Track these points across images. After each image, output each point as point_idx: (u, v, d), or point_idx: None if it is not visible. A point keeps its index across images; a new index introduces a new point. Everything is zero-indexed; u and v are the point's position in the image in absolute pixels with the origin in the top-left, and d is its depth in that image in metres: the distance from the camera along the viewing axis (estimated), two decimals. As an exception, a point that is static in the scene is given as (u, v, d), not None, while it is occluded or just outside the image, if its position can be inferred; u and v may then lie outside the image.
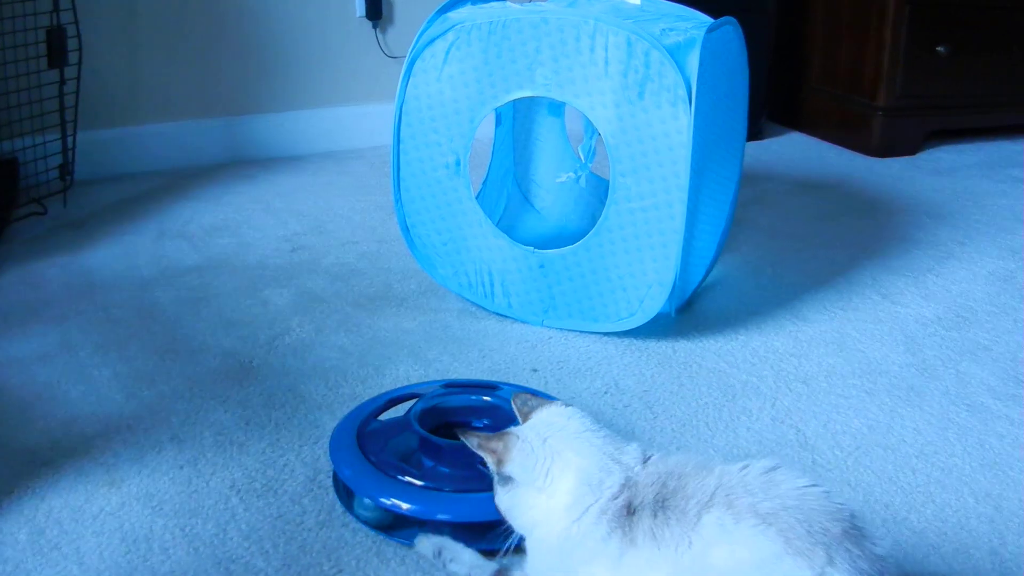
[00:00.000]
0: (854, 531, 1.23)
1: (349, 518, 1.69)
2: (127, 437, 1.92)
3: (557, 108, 2.79)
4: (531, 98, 2.48)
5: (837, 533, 1.21)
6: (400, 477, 1.67)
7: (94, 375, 2.14)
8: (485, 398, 1.86)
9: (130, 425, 1.96)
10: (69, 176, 3.15)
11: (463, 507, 1.62)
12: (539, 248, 2.32)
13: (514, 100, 2.29)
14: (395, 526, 1.66)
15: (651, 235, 2.17)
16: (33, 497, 1.74)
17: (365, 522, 1.67)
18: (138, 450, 1.87)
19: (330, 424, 1.85)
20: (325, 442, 1.83)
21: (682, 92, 2.10)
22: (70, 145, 3.13)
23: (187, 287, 2.59)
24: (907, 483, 1.79)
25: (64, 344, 2.27)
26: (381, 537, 1.65)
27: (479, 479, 1.65)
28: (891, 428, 1.96)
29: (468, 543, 1.61)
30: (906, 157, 3.82)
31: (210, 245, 2.88)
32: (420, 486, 1.65)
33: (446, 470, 1.68)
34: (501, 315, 2.41)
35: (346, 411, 1.87)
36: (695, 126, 2.10)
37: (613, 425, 1.94)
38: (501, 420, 1.77)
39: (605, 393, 2.08)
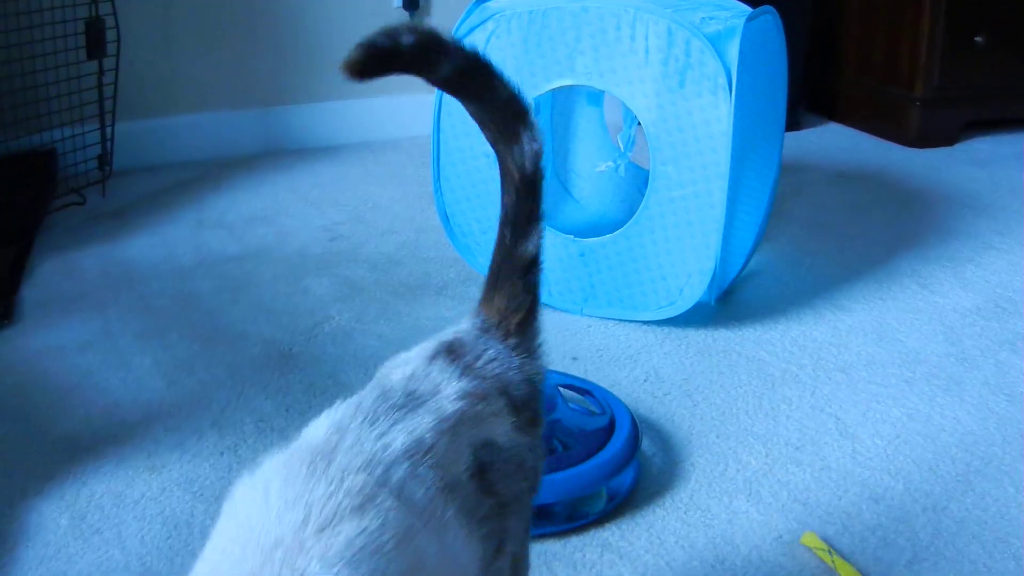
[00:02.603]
0: None
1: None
2: (168, 424, 1.94)
3: (596, 98, 2.79)
4: (570, 87, 2.48)
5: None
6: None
7: (134, 363, 2.16)
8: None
9: (171, 412, 1.98)
10: (107, 166, 3.17)
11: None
12: (578, 237, 2.32)
13: (553, 89, 2.29)
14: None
15: (691, 224, 2.18)
16: (75, 482, 1.76)
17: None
18: (179, 436, 1.89)
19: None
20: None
21: (722, 80, 2.10)
22: (108, 136, 3.15)
23: (226, 276, 2.61)
24: (947, 472, 1.79)
25: (104, 332, 2.29)
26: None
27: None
28: (931, 417, 1.96)
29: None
30: (943, 148, 3.80)
31: (249, 234, 2.89)
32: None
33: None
34: (541, 304, 2.41)
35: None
36: (735, 114, 2.10)
37: (653, 413, 1.95)
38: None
39: (645, 381, 2.09)
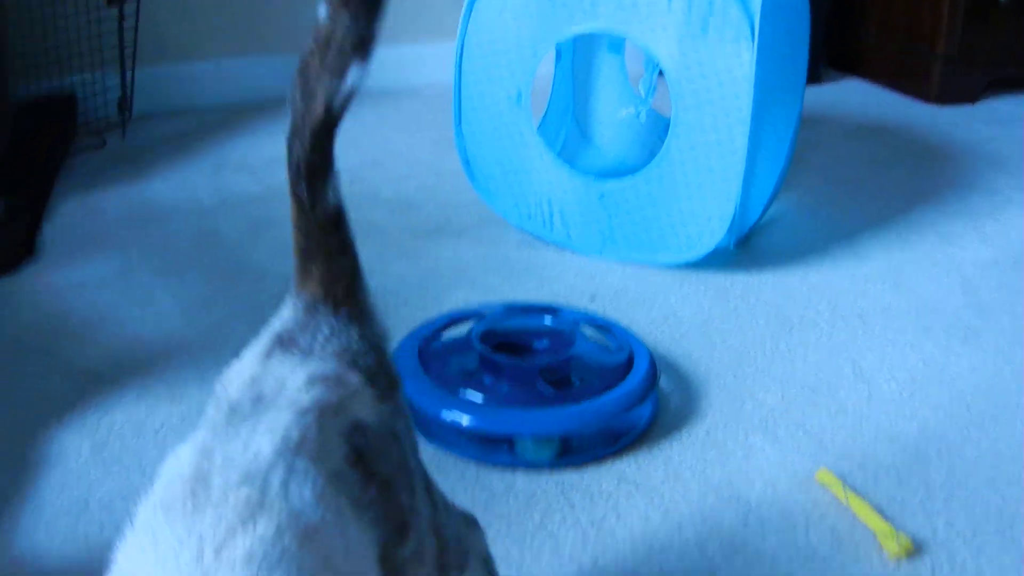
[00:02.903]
0: None
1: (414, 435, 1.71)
2: (189, 356, 1.96)
3: (617, 45, 2.79)
4: (591, 34, 2.49)
5: None
6: (461, 393, 1.70)
7: (156, 299, 2.18)
8: (546, 320, 1.88)
9: (191, 345, 2.00)
10: (128, 111, 3.18)
11: (522, 422, 1.65)
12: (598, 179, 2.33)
13: (574, 36, 2.30)
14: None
15: (712, 169, 2.18)
16: (96, 412, 1.78)
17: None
18: (199, 369, 1.91)
19: (390, 346, 1.87)
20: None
21: (745, 28, 2.10)
22: (128, 81, 3.16)
23: (247, 216, 2.62)
24: (962, 417, 1.80)
25: (125, 270, 2.31)
26: (436, 449, 1.68)
27: (540, 398, 1.68)
28: (947, 365, 1.97)
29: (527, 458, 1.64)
30: (965, 105, 3.78)
31: (270, 176, 2.90)
32: (481, 402, 1.68)
33: (506, 387, 1.71)
34: (560, 246, 2.43)
35: (406, 334, 1.89)
36: (757, 62, 2.10)
37: (671, 353, 1.96)
38: (561, 342, 1.80)
39: (663, 322, 2.10)
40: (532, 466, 1.67)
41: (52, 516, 1.56)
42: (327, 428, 0.90)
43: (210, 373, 1.89)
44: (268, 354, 0.95)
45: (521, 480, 1.64)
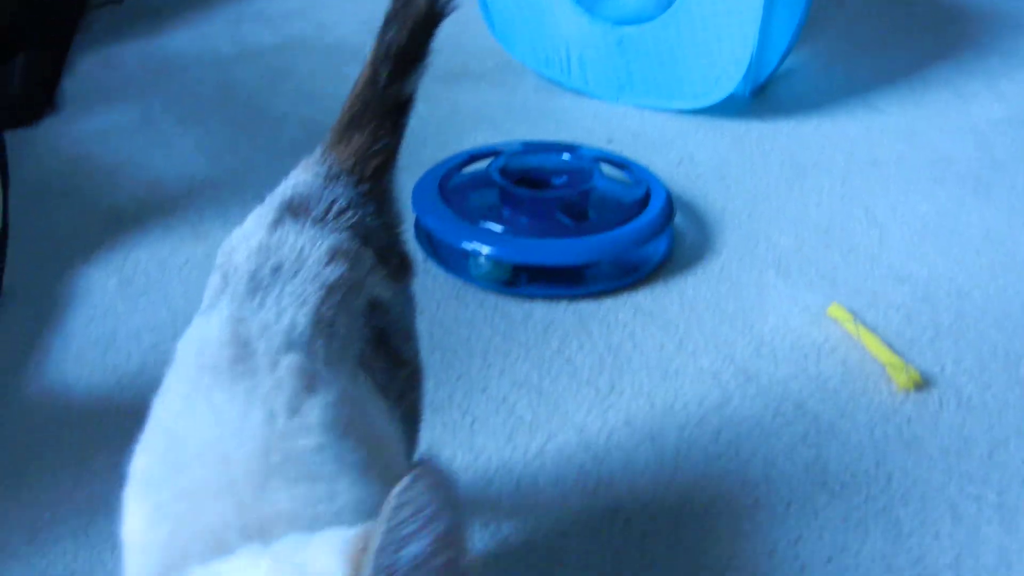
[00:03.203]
0: None
1: (430, 264, 1.74)
2: (211, 196, 1.97)
3: None
4: None
5: None
6: (482, 223, 1.72)
7: (177, 144, 2.19)
8: (564, 156, 1.89)
9: (214, 186, 2.01)
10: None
11: (540, 251, 1.67)
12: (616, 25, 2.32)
13: None
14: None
15: (730, 13, 2.17)
16: (121, 250, 1.81)
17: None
18: (222, 207, 1.93)
19: (411, 185, 1.88)
20: (406, 196, 1.87)
21: None
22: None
23: (266, 66, 2.61)
24: (972, 263, 1.83)
25: (146, 118, 2.32)
26: (458, 280, 1.71)
27: (558, 228, 1.70)
28: (958, 214, 1.99)
29: (545, 286, 1.66)
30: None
31: (288, 27, 2.88)
32: (500, 232, 1.70)
33: (526, 219, 1.73)
34: (578, 91, 2.43)
35: (427, 170, 1.90)
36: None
37: (687, 193, 1.98)
38: (580, 178, 1.82)
39: (679, 164, 2.12)
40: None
41: (80, 348, 1.59)
42: (351, 307, 0.90)
43: (232, 213, 1.88)
44: (277, 222, 0.93)
45: (540, 309, 1.67)
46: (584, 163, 1.84)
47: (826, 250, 1.82)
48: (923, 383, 1.54)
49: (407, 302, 1.03)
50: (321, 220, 0.94)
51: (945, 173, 2.13)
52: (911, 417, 1.49)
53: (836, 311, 1.65)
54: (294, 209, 0.95)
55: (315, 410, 0.78)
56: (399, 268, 1.02)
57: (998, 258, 1.83)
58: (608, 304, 1.68)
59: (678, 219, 1.87)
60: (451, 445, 1.42)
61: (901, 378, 1.53)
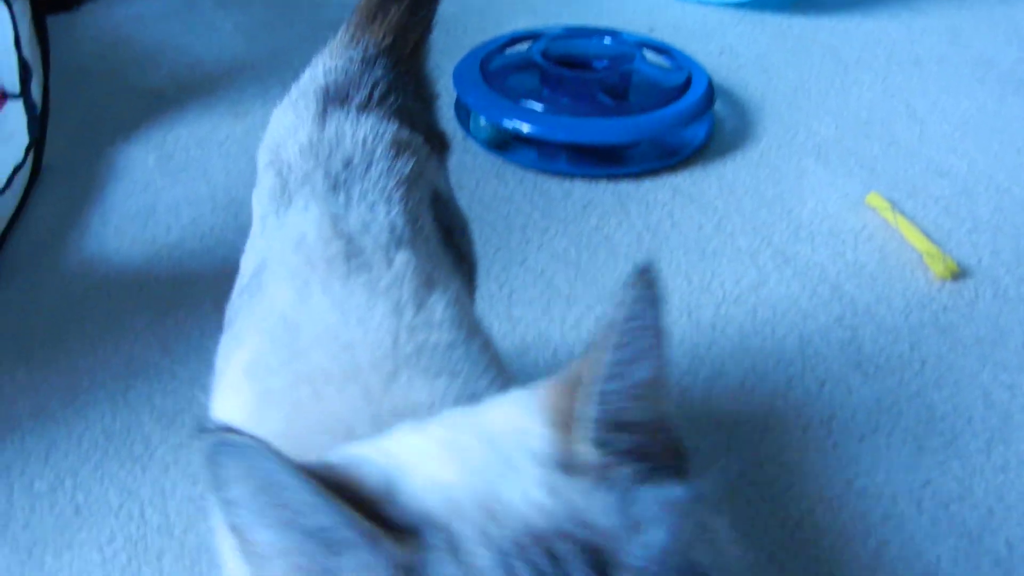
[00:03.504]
0: None
1: (469, 143, 1.74)
2: (251, 76, 1.97)
3: None
4: None
5: None
6: (522, 102, 1.71)
7: (216, 26, 2.18)
8: (606, 40, 1.88)
9: (253, 66, 2.01)
10: None
11: (580, 130, 1.67)
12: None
13: None
14: (509, 146, 1.72)
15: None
16: (161, 128, 1.81)
17: (483, 141, 1.73)
18: (262, 87, 1.92)
19: (451, 68, 1.87)
20: (447, 75, 1.86)
21: None
22: None
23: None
24: (1012, 161, 1.81)
25: (185, 3, 2.30)
26: (499, 159, 1.71)
27: (598, 108, 1.69)
28: (999, 113, 1.97)
29: (583, 167, 1.66)
30: None
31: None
32: (541, 110, 1.70)
33: (566, 99, 1.73)
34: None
35: (469, 51, 1.89)
36: None
37: (728, 82, 1.97)
38: (621, 61, 1.80)
39: (720, 55, 2.10)
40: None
41: (120, 221, 1.60)
42: (425, 201, 0.89)
43: (272, 92, 1.88)
44: (323, 114, 0.91)
45: (579, 188, 1.67)
46: (626, 47, 1.82)
47: (866, 141, 1.81)
48: (960, 273, 1.53)
49: (452, 190, 1.01)
50: (365, 107, 0.92)
51: (987, 73, 2.11)
52: (947, 305, 1.49)
53: (874, 200, 1.65)
54: (334, 98, 0.92)
55: (439, 306, 0.77)
56: (441, 148, 1.00)
57: (1040, 156, 1.82)
58: (647, 185, 1.67)
59: (718, 106, 1.86)
60: (488, 316, 1.43)
61: (938, 267, 1.53)
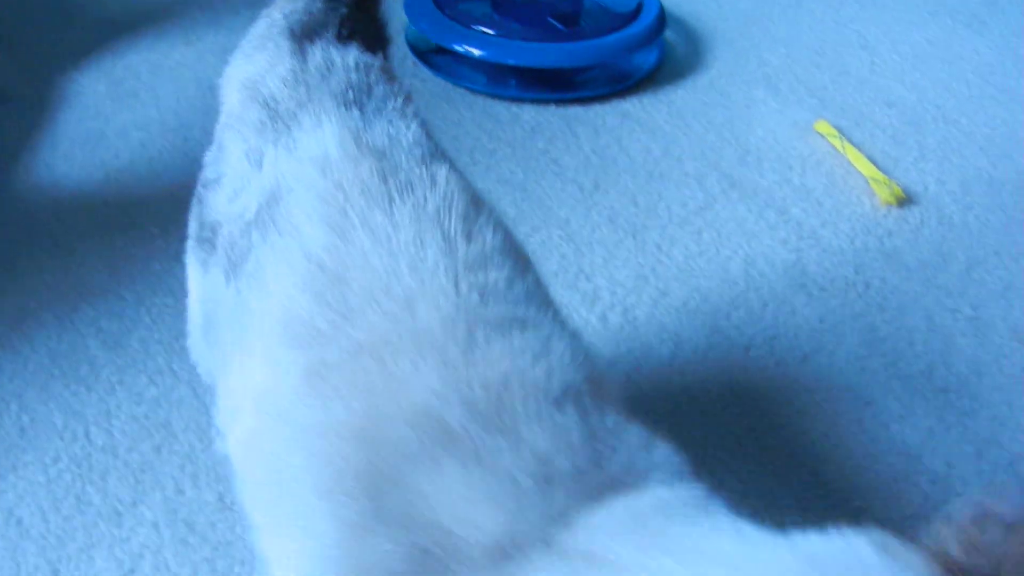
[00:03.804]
0: None
1: (420, 68, 1.73)
2: (203, 3, 1.94)
3: None
4: None
5: None
6: (474, 27, 1.70)
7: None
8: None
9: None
10: None
11: (531, 54, 1.66)
12: None
13: None
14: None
15: None
16: (113, 56, 1.78)
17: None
18: (213, 13, 1.90)
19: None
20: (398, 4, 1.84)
21: None
22: None
23: None
24: (961, 93, 1.82)
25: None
26: (449, 84, 1.70)
27: (550, 33, 1.68)
28: (951, 45, 1.97)
29: (533, 91, 1.65)
30: None
31: None
32: (492, 34, 1.68)
33: (517, 24, 1.71)
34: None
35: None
36: None
37: (680, 9, 1.96)
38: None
39: (671, -16, 2.09)
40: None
41: (70, 147, 1.58)
42: (425, 127, 0.83)
43: (223, 18, 1.88)
44: (299, 50, 0.85)
45: (528, 113, 1.66)
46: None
47: (817, 71, 1.81)
48: (906, 199, 1.54)
49: None
50: (342, 40, 0.88)
51: (939, 6, 2.11)
52: (892, 231, 1.49)
53: (823, 127, 1.65)
54: (304, 37, 0.87)
55: (487, 231, 0.70)
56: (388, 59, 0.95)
57: (988, 90, 1.82)
58: (596, 109, 1.67)
59: (669, 34, 1.85)
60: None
61: (884, 193, 1.53)
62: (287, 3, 0.91)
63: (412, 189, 0.70)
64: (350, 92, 0.80)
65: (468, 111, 1.65)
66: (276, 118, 0.80)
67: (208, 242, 0.81)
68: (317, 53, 0.84)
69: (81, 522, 1.08)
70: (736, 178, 1.55)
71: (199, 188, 0.86)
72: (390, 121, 0.78)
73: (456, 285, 0.64)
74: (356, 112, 0.78)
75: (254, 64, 0.87)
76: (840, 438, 1.21)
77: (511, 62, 1.66)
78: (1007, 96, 1.81)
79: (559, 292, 1.35)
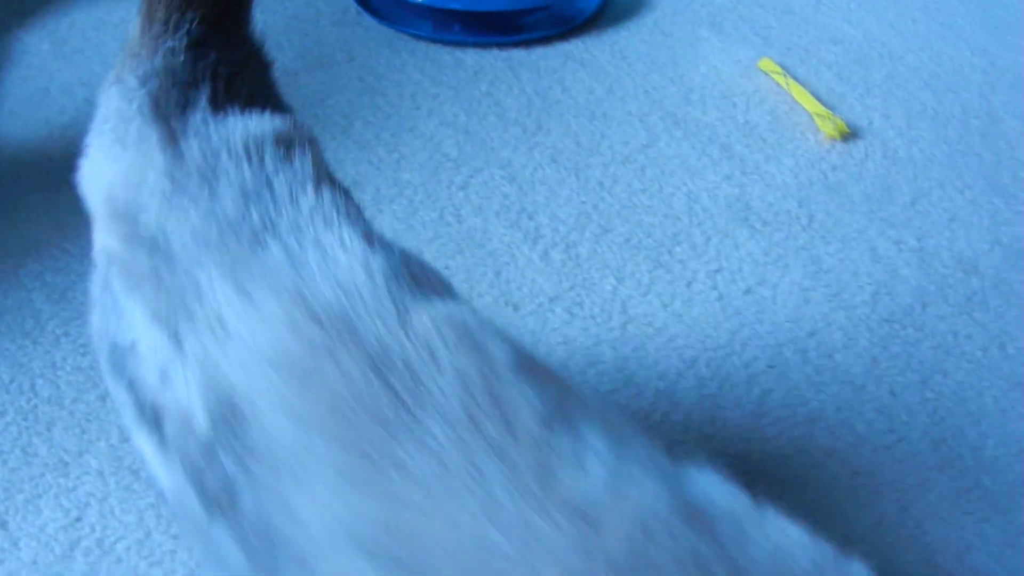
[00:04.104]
0: None
1: (363, 16, 1.71)
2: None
3: None
4: None
5: None
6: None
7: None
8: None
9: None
10: None
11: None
12: None
13: None
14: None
15: None
16: (57, 14, 1.76)
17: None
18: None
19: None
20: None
21: None
22: None
23: None
24: (907, 29, 1.81)
25: None
26: (392, 31, 1.69)
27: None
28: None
29: (477, 35, 1.64)
30: None
31: None
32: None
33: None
34: None
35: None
36: None
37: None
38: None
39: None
40: None
41: (14, 104, 1.56)
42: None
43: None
44: (172, 135, 0.70)
45: (470, 57, 1.65)
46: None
47: (760, 10, 1.81)
48: (850, 134, 1.54)
49: None
50: (219, 104, 0.72)
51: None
52: (836, 165, 1.50)
53: (767, 64, 1.65)
54: (175, 108, 0.71)
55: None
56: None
57: (933, 27, 1.82)
58: (539, 52, 1.66)
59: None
60: (376, 180, 1.42)
61: (828, 128, 1.53)
62: (136, 61, 0.76)
63: (419, 381, 0.52)
64: (253, 212, 0.63)
65: (411, 57, 1.64)
66: (173, 269, 0.63)
67: (155, 425, 0.65)
68: (192, 142, 0.68)
69: (28, 473, 1.08)
70: (679, 116, 1.55)
71: (109, 352, 0.70)
72: (324, 252, 0.60)
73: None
74: (277, 249, 0.60)
75: (118, 165, 0.71)
76: (784, 368, 1.21)
77: (454, 6, 1.65)
78: (952, 33, 1.82)
79: (501, 231, 1.35)
